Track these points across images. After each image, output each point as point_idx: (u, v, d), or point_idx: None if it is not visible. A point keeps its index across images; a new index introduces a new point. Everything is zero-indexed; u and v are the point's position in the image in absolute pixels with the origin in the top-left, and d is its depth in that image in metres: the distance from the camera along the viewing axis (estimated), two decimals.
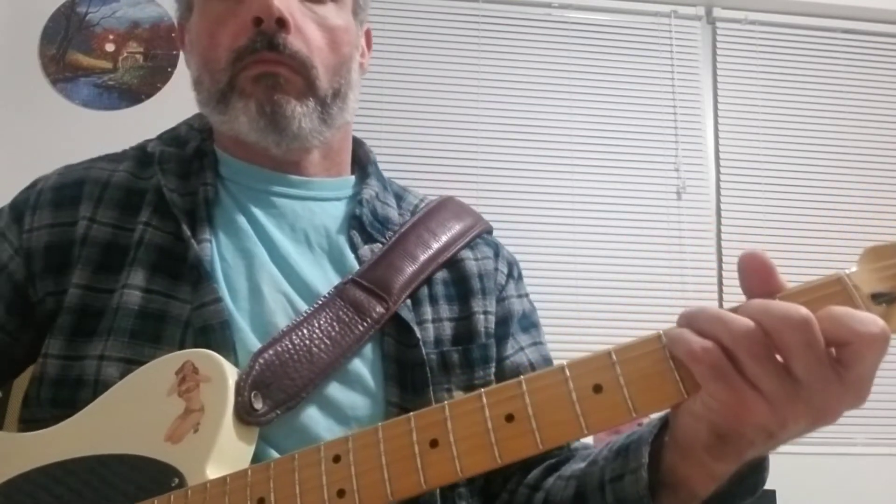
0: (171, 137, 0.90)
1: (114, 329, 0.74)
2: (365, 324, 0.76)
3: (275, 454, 0.69)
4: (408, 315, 0.79)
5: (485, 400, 0.56)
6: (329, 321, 0.75)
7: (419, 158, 2.63)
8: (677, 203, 2.70)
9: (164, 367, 0.70)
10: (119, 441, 0.68)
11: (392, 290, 0.78)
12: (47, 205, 0.83)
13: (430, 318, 0.81)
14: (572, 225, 2.64)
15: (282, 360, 0.71)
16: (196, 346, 0.72)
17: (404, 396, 0.75)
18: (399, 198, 0.93)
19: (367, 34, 0.96)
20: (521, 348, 0.86)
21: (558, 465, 0.77)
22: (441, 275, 0.85)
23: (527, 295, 0.94)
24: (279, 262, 0.79)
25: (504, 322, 0.86)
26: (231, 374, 0.68)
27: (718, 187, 2.74)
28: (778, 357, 0.49)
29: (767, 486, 2.02)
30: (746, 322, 0.49)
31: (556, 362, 0.89)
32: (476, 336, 0.82)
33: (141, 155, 0.88)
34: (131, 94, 2.53)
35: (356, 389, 0.75)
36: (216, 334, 0.72)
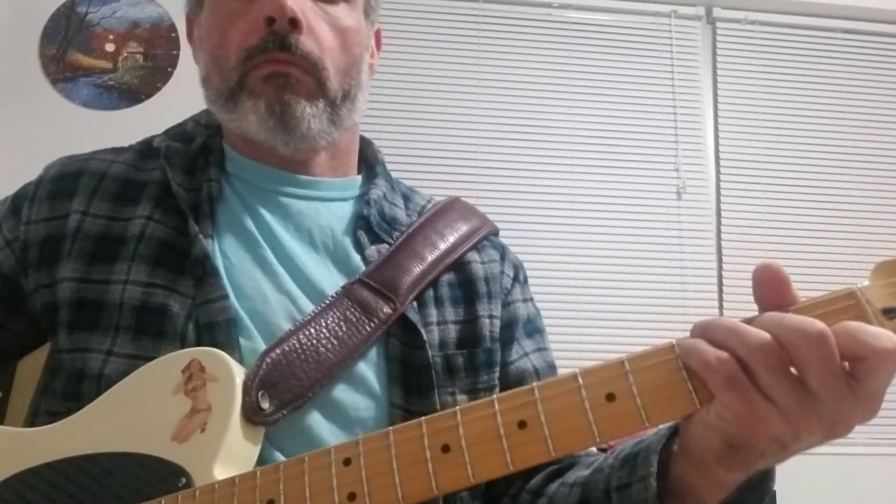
0: (178, 133, 0.90)
1: (118, 325, 0.74)
2: (372, 324, 0.75)
3: (278, 455, 0.69)
4: (414, 316, 0.79)
5: (497, 406, 0.56)
6: (336, 321, 0.74)
7: (419, 158, 2.62)
8: (677, 203, 2.70)
9: (169, 364, 0.70)
10: (125, 439, 0.68)
11: (399, 290, 0.78)
12: (45, 197, 0.83)
13: (436, 320, 0.81)
14: (572, 225, 2.64)
15: (289, 360, 0.70)
16: (200, 342, 0.72)
17: (408, 399, 0.74)
18: (406, 198, 0.93)
19: (378, 34, 0.96)
20: (526, 354, 0.86)
21: (561, 471, 0.77)
22: (447, 277, 0.84)
23: (532, 299, 0.93)
24: (284, 261, 0.79)
25: (509, 326, 0.86)
26: (238, 373, 0.68)
27: (718, 187, 2.74)
28: (792, 370, 0.49)
29: None
30: (762, 334, 0.49)
31: (556, 362, 0.89)
32: (481, 340, 0.82)
33: (145, 148, 0.88)
34: (131, 94, 2.52)
35: (360, 391, 0.74)
36: (221, 332, 0.72)
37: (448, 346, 0.80)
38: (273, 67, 0.78)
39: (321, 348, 0.72)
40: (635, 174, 2.70)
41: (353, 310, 0.75)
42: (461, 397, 0.78)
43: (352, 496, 0.57)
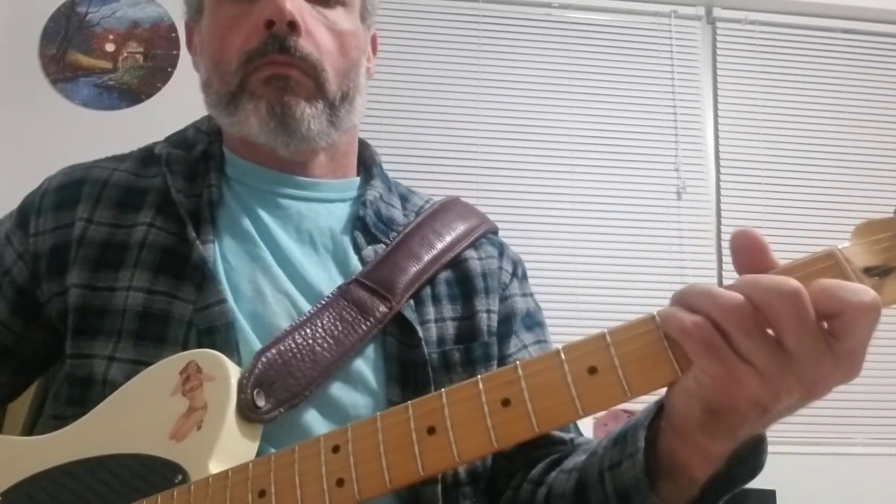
0: (179, 140, 0.91)
1: (121, 331, 0.75)
2: (368, 323, 0.76)
3: None
4: (411, 315, 0.79)
5: (481, 386, 0.56)
6: (332, 320, 0.75)
7: (419, 158, 2.63)
8: (677, 203, 2.70)
9: (168, 367, 0.71)
10: (125, 441, 0.69)
11: (395, 289, 0.79)
12: (50, 208, 0.84)
13: (433, 317, 0.82)
14: (572, 225, 2.65)
15: (285, 359, 0.71)
16: (200, 346, 0.73)
17: (406, 396, 0.75)
18: (404, 199, 0.94)
19: (374, 39, 0.97)
20: (525, 346, 0.87)
21: (561, 459, 0.77)
22: (445, 275, 0.85)
23: (531, 294, 0.94)
24: (283, 263, 0.80)
25: (507, 320, 0.87)
26: (234, 372, 0.69)
27: (718, 187, 2.74)
28: (770, 331, 0.49)
29: (767, 486, 2.03)
30: (735, 296, 0.49)
31: None
32: (479, 335, 0.83)
33: (146, 155, 0.89)
34: (131, 94, 2.53)
35: (358, 389, 0.75)
36: (220, 335, 0.73)
37: (446, 343, 0.81)
38: (273, 70, 0.80)
39: (317, 347, 0.73)
40: (635, 174, 2.71)
41: (349, 309, 0.76)
42: None
43: (340, 482, 0.57)
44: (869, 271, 0.51)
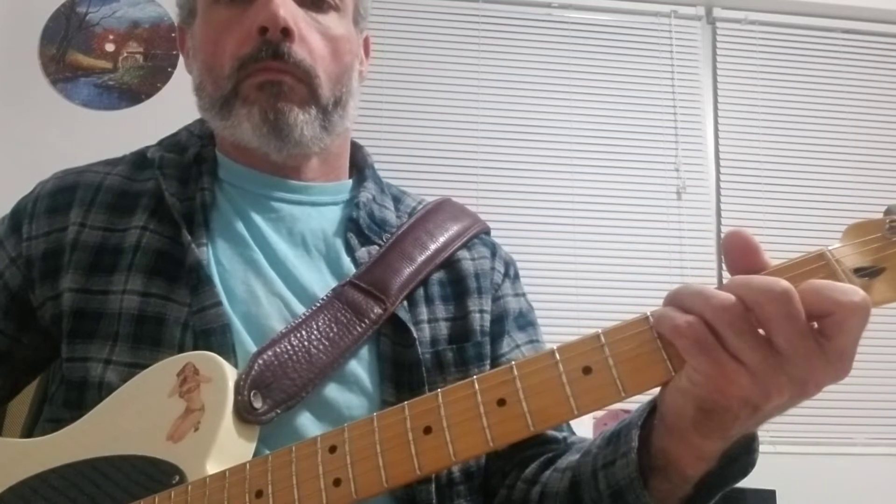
0: (172, 143, 0.91)
1: (117, 334, 0.75)
2: (363, 325, 0.76)
3: None
4: (405, 315, 0.80)
5: (477, 386, 0.57)
6: (327, 322, 0.75)
7: (419, 158, 2.63)
8: (677, 203, 2.70)
9: (165, 369, 0.71)
10: (122, 443, 0.69)
11: (390, 291, 0.79)
12: (43, 212, 0.84)
13: (427, 318, 0.82)
14: (572, 225, 2.65)
15: (281, 361, 0.72)
16: (196, 348, 0.73)
17: (400, 396, 0.75)
18: (397, 200, 0.94)
19: (366, 42, 0.97)
20: (517, 346, 0.87)
21: (555, 458, 0.78)
22: (437, 275, 0.86)
23: (524, 294, 0.94)
24: (277, 265, 0.80)
25: (499, 320, 0.87)
26: (231, 374, 0.69)
27: (718, 187, 2.74)
28: (761, 331, 0.49)
29: (767, 486, 2.02)
30: (727, 296, 0.50)
31: None
32: (472, 335, 0.83)
33: (138, 159, 0.89)
34: (131, 94, 2.53)
35: (353, 390, 0.75)
36: (216, 337, 0.73)
37: (439, 343, 0.82)
38: (266, 76, 0.80)
39: (313, 349, 0.73)
40: (635, 174, 2.70)
41: (343, 311, 0.77)
42: None
43: (337, 482, 0.58)
44: (859, 272, 0.52)
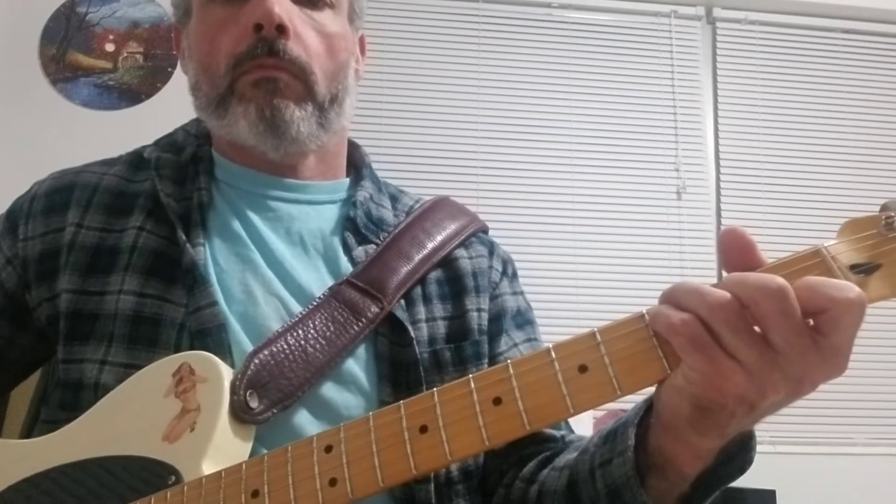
0: (168, 143, 0.91)
1: (112, 335, 0.75)
2: (360, 324, 0.76)
3: None
4: (402, 314, 0.80)
5: (473, 385, 0.57)
6: (324, 321, 0.75)
7: (419, 158, 2.63)
8: (677, 203, 2.70)
9: (161, 369, 0.71)
10: (118, 443, 0.69)
11: (387, 289, 0.79)
12: (40, 213, 0.84)
13: (424, 317, 0.82)
14: (572, 225, 2.64)
15: (277, 360, 0.71)
16: (192, 348, 0.73)
17: (398, 396, 0.75)
18: (394, 199, 0.94)
19: (362, 40, 0.97)
20: (515, 344, 0.87)
21: (552, 457, 0.78)
22: (435, 274, 0.85)
23: (522, 293, 0.94)
24: (274, 265, 0.80)
25: (497, 319, 0.87)
26: (227, 374, 0.69)
27: (718, 187, 2.74)
28: (756, 328, 0.49)
29: (767, 486, 2.03)
30: (722, 294, 0.50)
31: None
32: (469, 333, 0.83)
33: (135, 159, 0.89)
34: (131, 94, 2.53)
35: (350, 389, 0.75)
36: (212, 337, 0.73)
37: (437, 342, 0.81)
38: (262, 73, 0.80)
39: (309, 349, 0.73)
40: (635, 174, 2.70)
41: (340, 310, 0.76)
42: None
43: (333, 481, 0.58)
44: (854, 268, 0.52)
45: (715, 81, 2.82)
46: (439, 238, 0.87)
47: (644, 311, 0.54)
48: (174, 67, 2.53)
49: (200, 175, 0.85)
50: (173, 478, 0.65)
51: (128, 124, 2.43)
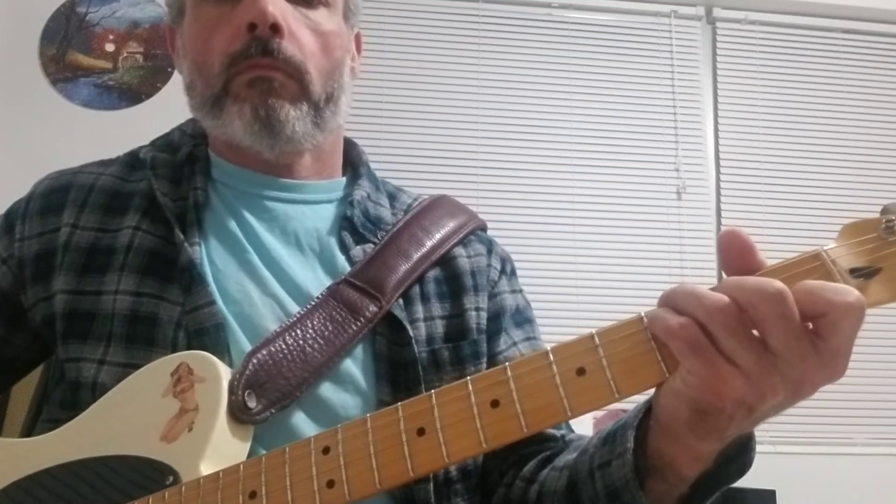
0: (164, 143, 0.91)
1: (110, 335, 0.75)
2: (358, 323, 0.76)
3: None
4: (400, 314, 0.79)
5: (471, 387, 0.57)
6: (322, 321, 0.75)
7: (419, 158, 2.63)
8: (677, 203, 2.70)
9: (159, 369, 0.71)
10: (116, 443, 0.69)
11: (385, 288, 0.79)
12: (36, 213, 0.84)
13: (422, 316, 0.82)
14: (572, 225, 2.64)
15: (275, 360, 0.71)
16: (190, 348, 0.73)
17: (396, 396, 0.75)
18: (392, 198, 0.94)
19: (358, 38, 0.96)
20: (515, 343, 0.87)
21: (552, 457, 0.78)
22: (433, 273, 0.85)
23: (521, 291, 0.94)
24: (270, 265, 0.80)
25: (496, 317, 0.87)
26: (225, 374, 0.69)
27: (718, 187, 2.74)
28: (755, 332, 0.49)
29: (767, 486, 2.02)
30: (720, 297, 0.49)
31: None
32: (468, 333, 0.83)
33: (131, 160, 0.89)
34: (131, 94, 2.53)
35: (348, 390, 0.75)
36: (210, 337, 0.73)
37: (435, 341, 0.81)
38: (256, 72, 0.79)
39: (308, 348, 0.73)
40: (635, 174, 2.70)
41: (339, 310, 0.76)
42: None
43: (330, 483, 0.58)
44: (854, 272, 0.52)
45: (715, 81, 2.82)
46: (438, 236, 0.86)
47: (642, 314, 0.54)
48: (174, 67, 2.50)
49: (197, 175, 0.85)
50: (171, 478, 0.65)
51: (128, 124, 2.43)
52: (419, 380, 0.77)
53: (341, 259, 0.82)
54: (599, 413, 2.03)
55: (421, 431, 0.57)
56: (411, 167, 2.58)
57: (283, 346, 0.72)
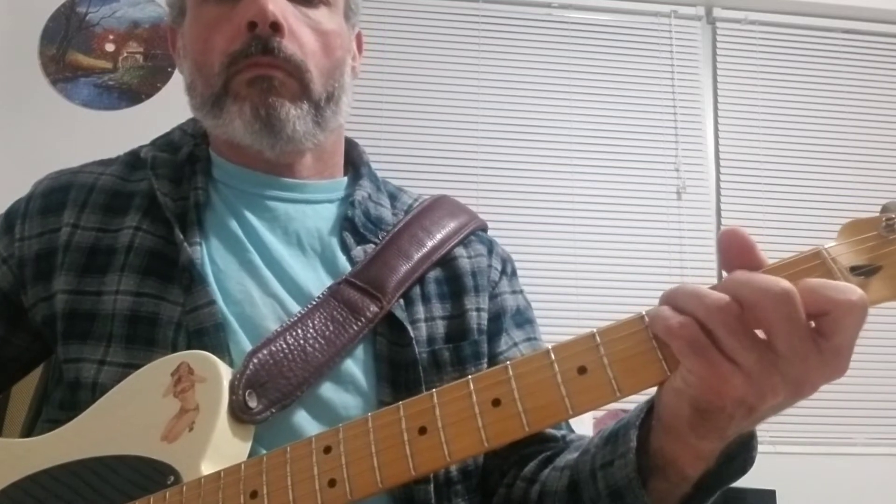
0: (165, 143, 0.91)
1: (111, 335, 0.75)
2: (359, 323, 0.76)
3: None
4: (401, 314, 0.79)
5: (472, 386, 0.57)
6: (323, 321, 0.75)
7: (419, 158, 2.63)
8: (677, 203, 2.70)
9: (160, 369, 0.71)
10: (117, 442, 0.69)
11: (386, 289, 0.79)
12: (36, 213, 0.84)
13: (423, 317, 0.82)
14: (572, 225, 2.64)
15: (276, 360, 0.71)
16: (190, 348, 0.72)
17: (397, 396, 0.74)
18: (393, 198, 0.94)
19: (359, 38, 0.96)
20: (515, 343, 0.87)
21: (553, 457, 0.78)
22: (434, 273, 0.85)
23: (521, 291, 0.94)
24: (271, 265, 0.80)
25: (497, 318, 0.87)
26: (225, 373, 0.69)
27: (718, 187, 2.74)
28: (759, 332, 0.49)
29: (767, 486, 2.03)
30: (721, 296, 0.49)
31: None
32: (468, 333, 0.83)
33: (132, 159, 0.89)
34: (131, 94, 2.53)
35: (349, 390, 0.75)
36: (210, 337, 0.73)
37: (436, 342, 0.81)
38: (256, 71, 0.79)
39: (308, 348, 0.73)
40: (635, 174, 2.70)
41: (339, 310, 0.76)
42: None
43: (332, 482, 0.58)
44: (855, 270, 0.52)
45: (715, 81, 2.82)
46: (439, 236, 0.86)
47: (643, 313, 0.54)
48: (174, 67, 2.53)
49: (197, 174, 0.85)
50: (172, 478, 0.65)
51: (128, 124, 2.43)
52: (420, 380, 0.77)
53: (342, 259, 0.82)
54: (599, 413, 2.03)
55: (422, 430, 0.57)
56: (411, 167, 2.58)
57: (284, 346, 0.72)
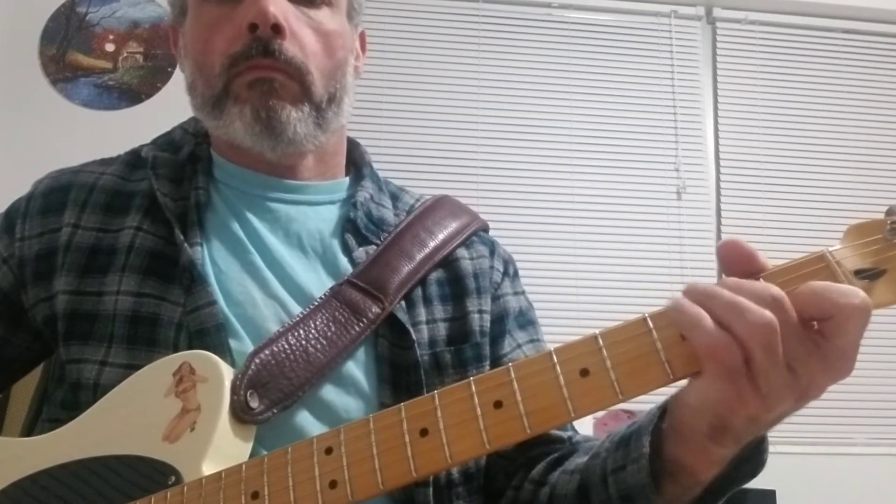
0: (166, 142, 0.90)
1: (112, 336, 0.75)
2: (361, 324, 0.76)
3: None
4: (403, 316, 0.79)
5: (474, 388, 0.57)
6: (325, 322, 0.75)
7: (419, 158, 2.63)
8: (677, 203, 2.70)
9: (161, 369, 0.71)
10: (118, 442, 0.69)
11: (388, 289, 0.78)
12: (36, 213, 0.84)
13: (425, 319, 0.81)
14: (572, 225, 2.64)
15: (278, 360, 0.71)
16: (191, 348, 0.72)
17: (398, 398, 0.74)
18: (395, 198, 0.93)
19: (362, 37, 0.96)
20: (519, 345, 0.87)
21: (562, 459, 0.77)
22: (436, 275, 0.85)
23: (523, 292, 0.94)
24: (273, 266, 0.80)
25: (500, 320, 0.87)
26: (227, 373, 0.69)
27: (718, 187, 2.74)
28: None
29: (767, 486, 2.02)
30: (764, 314, 0.49)
31: None
32: (471, 335, 0.83)
33: (133, 159, 0.89)
34: (131, 94, 2.53)
35: (350, 392, 0.75)
36: (211, 337, 0.73)
37: (437, 344, 0.81)
38: (257, 73, 0.79)
39: (310, 349, 0.73)
40: (635, 174, 2.70)
41: (341, 311, 0.76)
42: None
43: (333, 484, 0.58)
44: (859, 273, 0.52)
45: (715, 81, 2.82)
46: (441, 237, 0.86)
47: (646, 315, 0.54)
48: (174, 67, 2.53)
49: (198, 174, 0.85)
50: (173, 478, 0.65)
51: (128, 124, 2.43)
52: (421, 383, 0.76)
53: (344, 261, 0.82)
54: (600, 413, 2.03)
55: (424, 432, 0.57)
56: (411, 167, 2.58)
57: (286, 346, 0.72)
